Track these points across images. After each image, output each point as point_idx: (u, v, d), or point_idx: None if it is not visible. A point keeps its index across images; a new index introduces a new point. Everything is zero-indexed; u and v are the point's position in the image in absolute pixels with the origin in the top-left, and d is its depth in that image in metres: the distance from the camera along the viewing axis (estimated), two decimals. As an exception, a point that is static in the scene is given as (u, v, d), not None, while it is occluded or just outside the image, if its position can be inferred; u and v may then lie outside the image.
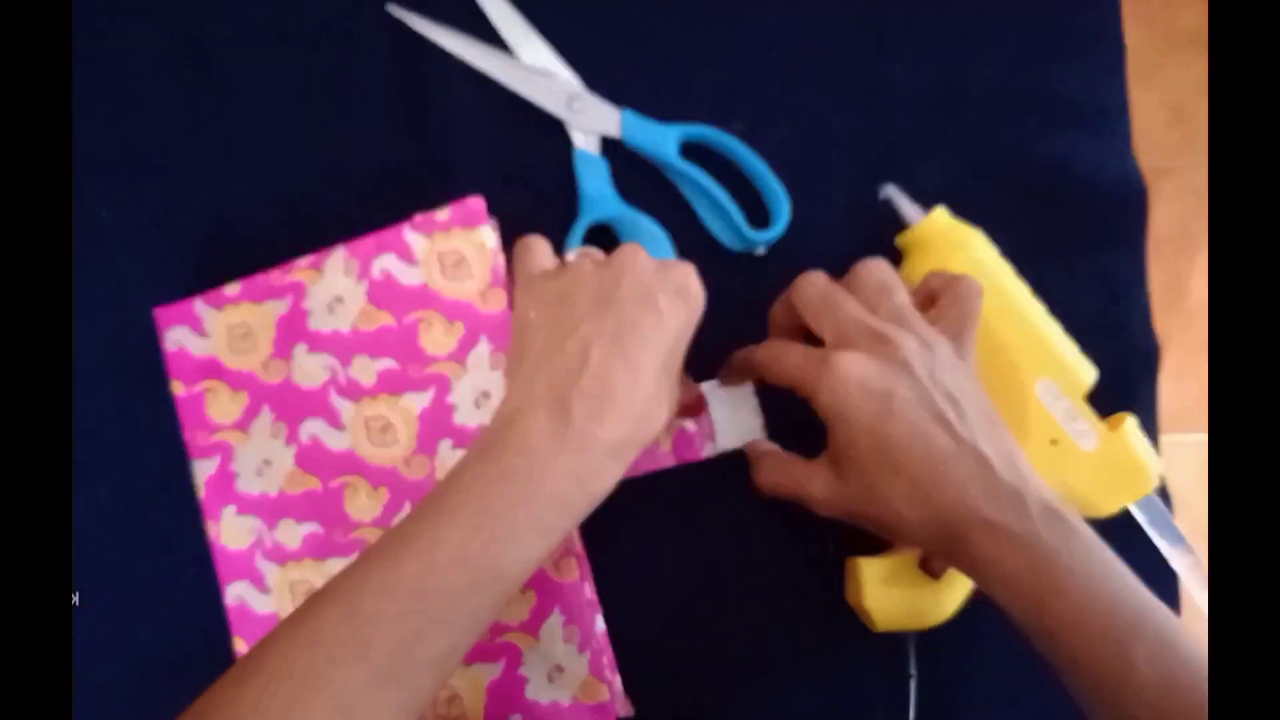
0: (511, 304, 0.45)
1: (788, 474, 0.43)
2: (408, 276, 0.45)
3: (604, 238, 0.49)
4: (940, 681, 0.47)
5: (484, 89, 0.50)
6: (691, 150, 0.49)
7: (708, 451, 0.47)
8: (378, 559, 0.36)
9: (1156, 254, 0.52)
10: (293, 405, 0.45)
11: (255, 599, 0.45)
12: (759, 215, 0.49)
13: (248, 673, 0.34)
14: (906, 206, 0.47)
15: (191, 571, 0.48)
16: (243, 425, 0.46)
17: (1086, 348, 0.46)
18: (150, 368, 0.47)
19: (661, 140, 0.48)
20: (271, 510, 0.45)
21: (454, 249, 0.45)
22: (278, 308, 0.46)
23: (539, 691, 0.44)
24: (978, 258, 0.45)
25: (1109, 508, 0.45)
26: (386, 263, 0.46)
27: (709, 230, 0.49)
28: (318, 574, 0.45)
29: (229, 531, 0.46)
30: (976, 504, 0.37)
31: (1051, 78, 0.51)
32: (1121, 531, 0.46)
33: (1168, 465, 0.48)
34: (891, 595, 0.44)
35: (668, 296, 0.40)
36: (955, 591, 0.44)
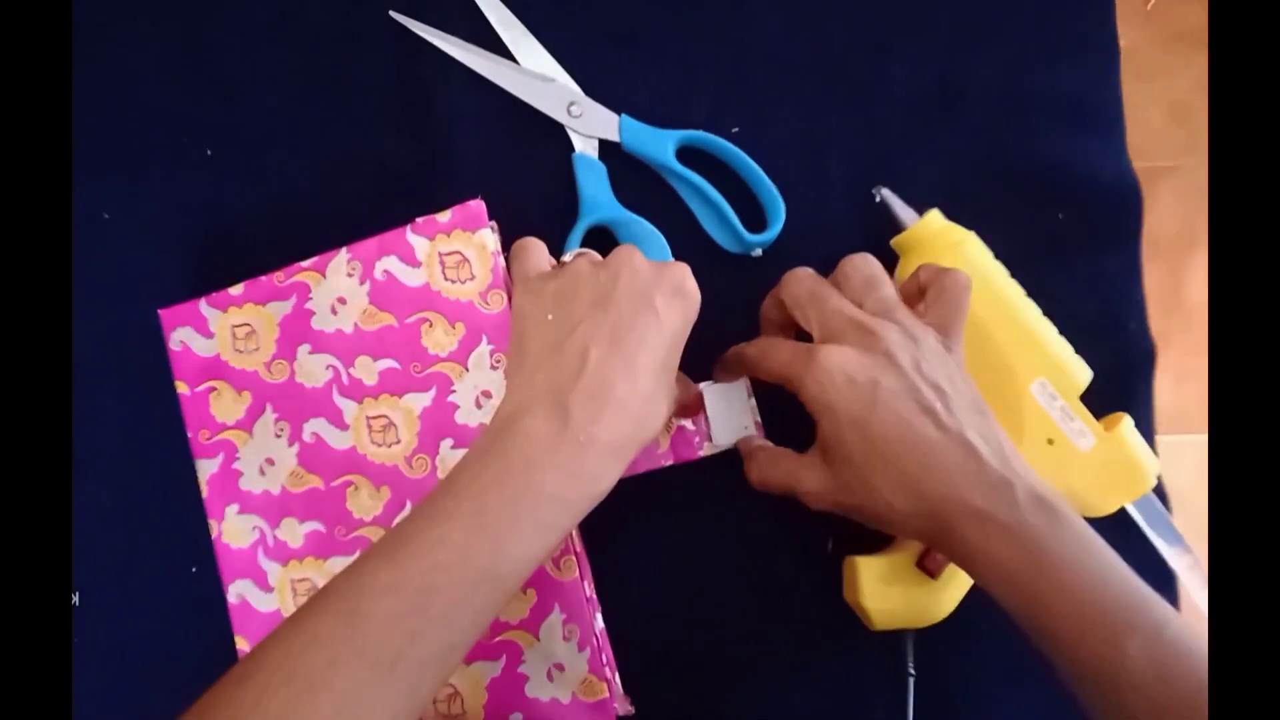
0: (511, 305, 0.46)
1: (779, 468, 0.43)
2: (410, 278, 0.46)
3: (603, 240, 0.49)
4: (939, 680, 0.47)
5: (484, 93, 0.50)
6: (689, 154, 0.50)
7: (705, 450, 0.47)
8: (377, 559, 0.36)
9: (1156, 254, 0.52)
10: (296, 405, 0.46)
11: (257, 597, 0.45)
12: (755, 218, 0.49)
13: (248, 673, 0.34)
14: (900, 209, 0.47)
15: (193, 571, 0.48)
16: (246, 425, 0.46)
17: (1083, 348, 0.46)
18: (151, 368, 0.47)
19: (659, 144, 0.49)
20: (274, 509, 0.46)
21: (455, 251, 0.46)
22: (281, 308, 0.46)
23: (539, 689, 0.44)
24: (972, 259, 0.46)
25: (1106, 507, 0.45)
26: (389, 264, 0.46)
27: (706, 233, 0.50)
28: (320, 573, 0.45)
29: (231, 530, 0.46)
30: (964, 493, 0.37)
31: (1047, 79, 0.51)
32: (1120, 531, 0.46)
33: (1167, 465, 0.48)
34: (890, 594, 0.44)
35: (664, 296, 0.40)
36: (953, 590, 0.45)
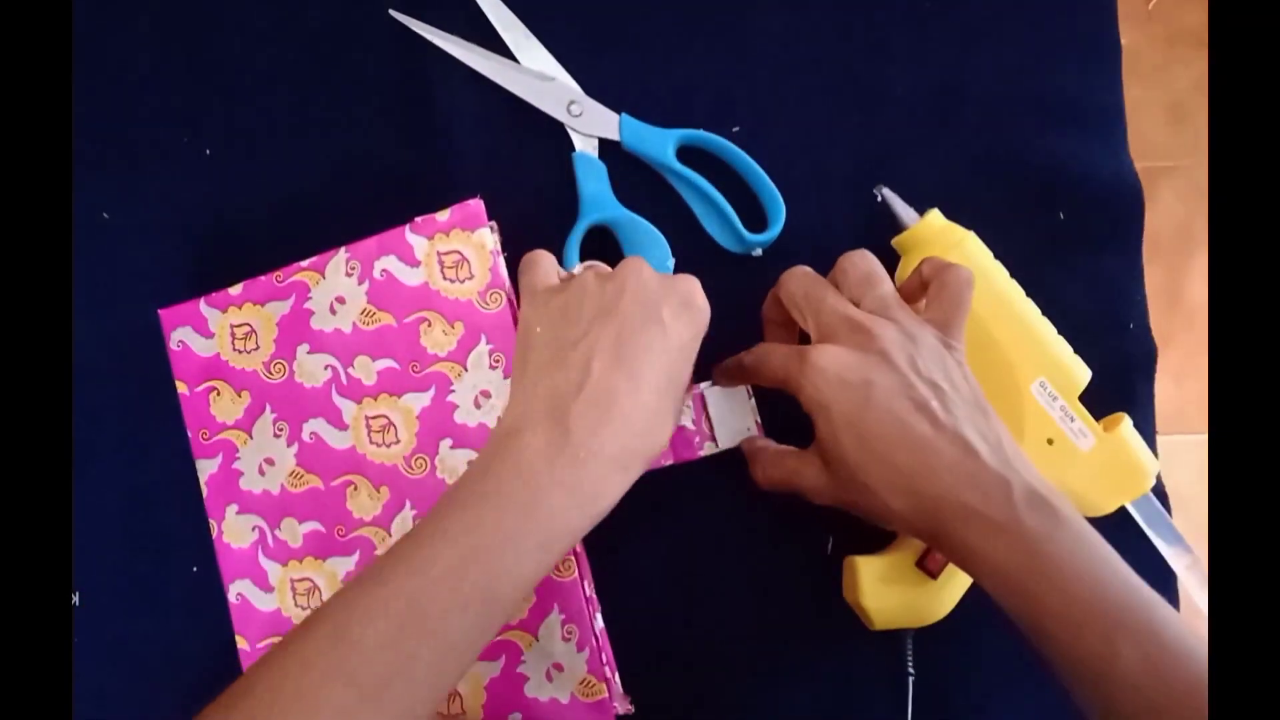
0: (513, 305, 0.46)
1: (781, 466, 0.43)
2: (409, 277, 0.46)
3: (603, 240, 0.49)
4: (938, 679, 0.47)
5: (484, 92, 0.50)
6: (689, 153, 0.50)
7: (705, 450, 0.47)
8: (369, 580, 0.36)
9: (1156, 254, 0.52)
10: (295, 405, 0.46)
11: (257, 597, 0.45)
12: (756, 218, 0.49)
13: (239, 696, 0.34)
14: (901, 209, 0.47)
15: (193, 571, 0.48)
16: (245, 425, 0.46)
17: (1084, 348, 0.46)
18: (151, 367, 0.47)
19: (660, 144, 0.49)
20: (274, 509, 0.46)
21: (454, 250, 0.46)
22: (280, 308, 0.46)
23: (538, 689, 0.44)
24: (972, 259, 0.46)
25: (1106, 507, 0.45)
26: (388, 264, 0.46)
27: (706, 233, 0.50)
28: (320, 572, 0.45)
29: (231, 530, 0.46)
30: (959, 492, 0.37)
31: (1048, 79, 0.51)
32: (1120, 531, 0.46)
33: (1167, 465, 0.48)
34: (889, 594, 0.44)
35: (672, 309, 0.39)
36: (952, 590, 0.45)
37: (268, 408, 0.46)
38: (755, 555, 0.48)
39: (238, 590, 0.46)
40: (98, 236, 0.50)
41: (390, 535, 0.45)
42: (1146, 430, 0.48)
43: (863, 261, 0.43)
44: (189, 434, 0.46)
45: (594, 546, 0.46)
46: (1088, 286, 0.50)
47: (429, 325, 0.45)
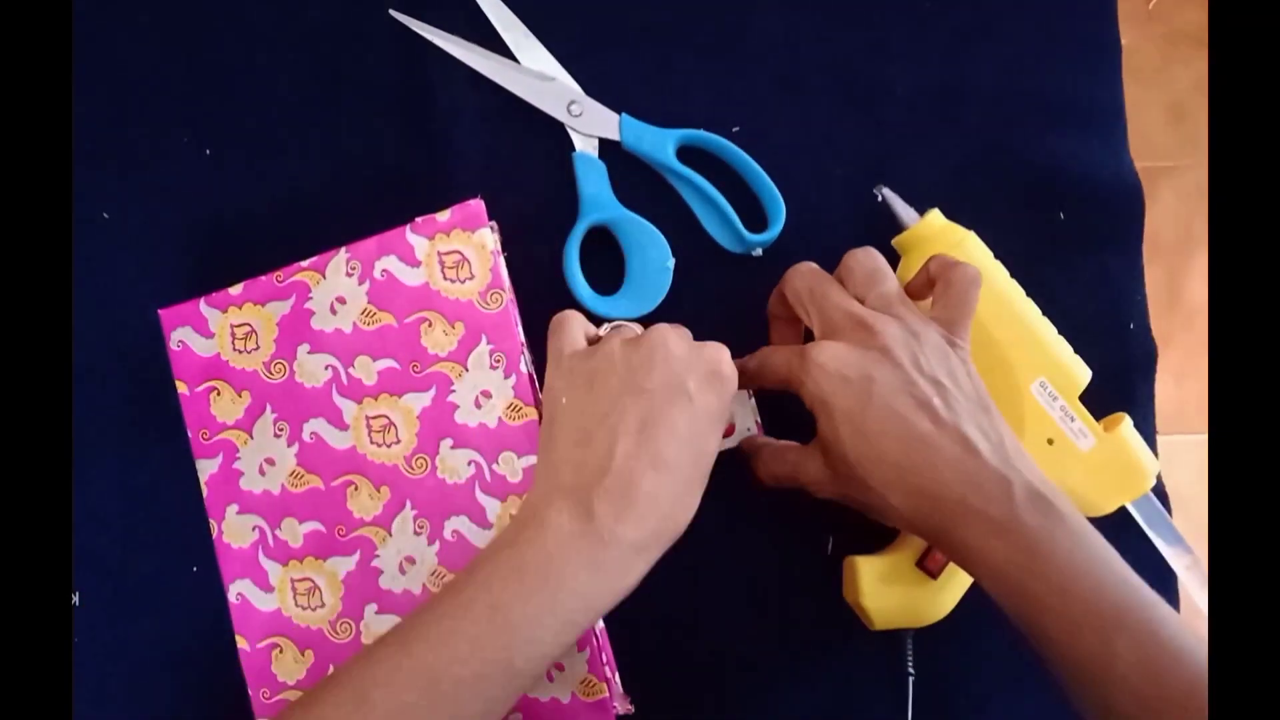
0: (514, 305, 0.46)
1: (783, 461, 0.43)
2: (409, 277, 0.46)
3: (603, 239, 0.49)
4: (938, 679, 0.47)
5: (485, 92, 0.50)
6: (689, 153, 0.50)
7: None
8: (391, 645, 0.36)
9: (1156, 254, 0.52)
10: (295, 405, 0.46)
11: (258, 597, 0.45)
12: (756, 217, 0.49)
13: None
14: (901, 209, 0.47)
15: (193, 571, 0.48)
16: (246, 425, 0.46)
17: (1084, 348, 0.46)
18: (150, 367, 0.47)
19: (660, 143, 0.49)
20: (274, 509, 0.46)
21: (455, 250, 0.46)
22: (280, 308, 0.46)
23: (539, 689, 0.44)
24: (972, 259, 0.46)
25: (1106, 507, 0.45)
26: (388, 264, 0.46)
27: (707, 232, 0.50)
28: (320, 572, 0.45)
29: (231, 530, 0.46)
30: (959, 489, 0.37)
31: (1048, 79, 0.51)
32: (1120, 531, 0.46)
33: (1167, 465, 0.48)
34: (889, 594, 0.44)
35: (698, 380, 0.39)
36: (952, 590, 0.45)
37: (268, 408, 0.46)
38: (755, 555, 0.48)
39: (238, 590, 0.46)
40: (98, 236, 0.50)
41: (390, 535, 0.45)
42: (1146, 430, 0.48)
43: (868, 259, 0.43)
44: (189, 434, 0.46)
45: (594, 546, 0.46)
46: (1088, 286, 0.50)
47: (430, 325, 0.45)
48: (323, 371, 0.46)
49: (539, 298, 0.47)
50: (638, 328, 0.43)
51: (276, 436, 0.46)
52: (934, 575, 0.44)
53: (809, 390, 0.40)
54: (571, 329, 0.42)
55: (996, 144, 0.51)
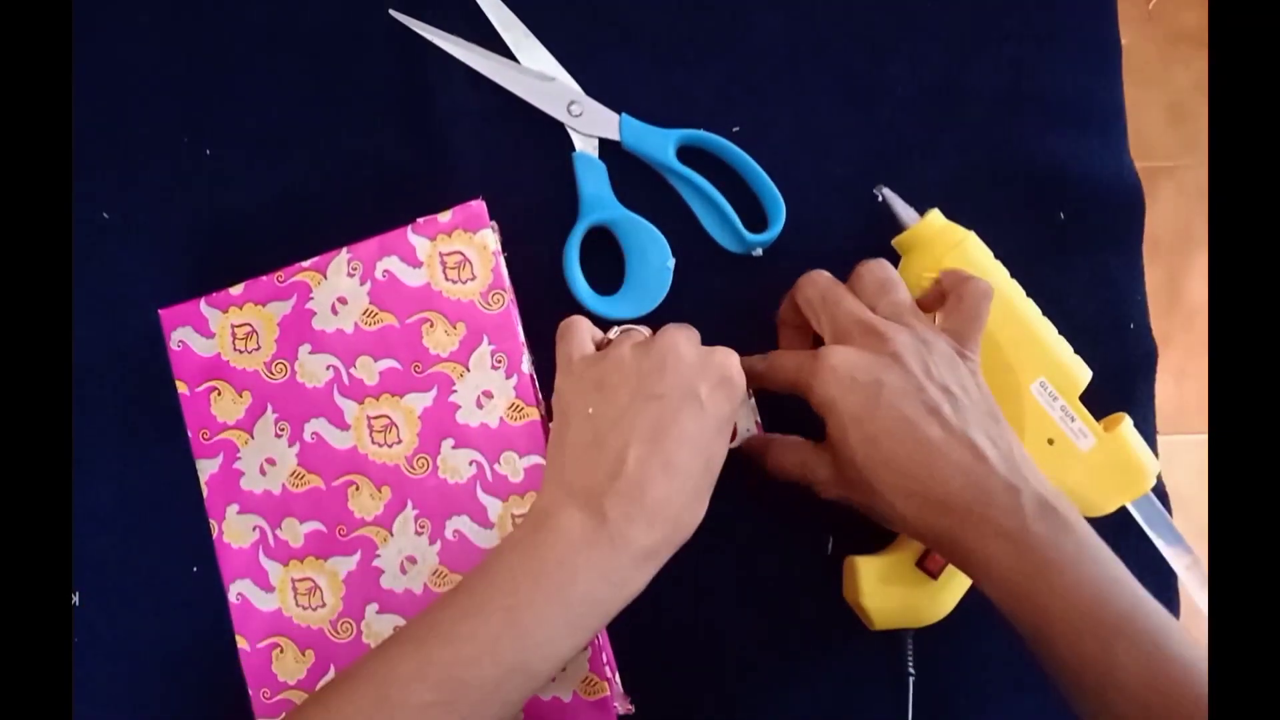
0: (515, 305, 0.46)
1: (793, 456, 0.43)
2: (410, 278, 0.46)
3: (603, 239, 0.49)
4: (938, 679, 0.47)
5: (485, 92, 0.50)
6: (689, 153, 0.50)
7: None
8: (408, 643, 0.37)
9: (1156, 254, 0.52)
10: (296, 405, 0.46)
11: (258, 597, 0.45)
12: (756, 218, 0.49)
13: None
14: (901, 209, 0.47)
15: (193, 571, 0.48)
16: (247, 425, 0.46)
17: (1084, 348, 0.46)
18: (151, 367, 0.47)
19: (660, 144, 0.49)
20: (275, 509, 0.46)
21: (456, 251, 0.46)
22: (281, 308, 0.46)
23: (541, 689, 0.44)
24: (973, 259, 0.46)
25: (1106, 507, 0.45)
26: (389, 264, 0.46)
27: (707, 233, 0.50)
28: (320, 572, 0.45)
29: (232, 530, 0.46)
30: (966, 496, 0.37)
31: (1048, 79, 0.51)
32: (1120, 531, 0.46)
33: (1167, 465, 0.48)
34: (889, 594, 0.44)
35: (709, 386, 0.39)
36: (953, 590, 0.45)
37: (269, 408, 0.46)
38: (755, 555, 0.48)
39: (238, 590, 0.46)
40: (98, 236, 0.50)
41: (392, 535, 0.45)
42: (1146, 430, 0.48)
43: (880, 269, 0.43)
44: (189, 434, 0.46)
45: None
46: (1088, 287, 0.50)
47: (431, 326, 0.45)
48: (324, 372, 0.46)
49: (539, 298, 0.47)
50: (646, 331, 0.43)
51: (277, 436, 0.46)
52: (934, 575, 0.44)
53: (818, 393, 0.40)
54: (579, 334, 0.42)
55: (996, 144, 0.51)
